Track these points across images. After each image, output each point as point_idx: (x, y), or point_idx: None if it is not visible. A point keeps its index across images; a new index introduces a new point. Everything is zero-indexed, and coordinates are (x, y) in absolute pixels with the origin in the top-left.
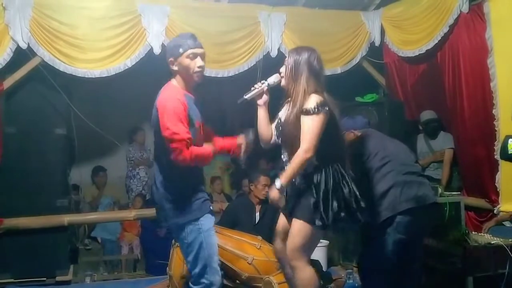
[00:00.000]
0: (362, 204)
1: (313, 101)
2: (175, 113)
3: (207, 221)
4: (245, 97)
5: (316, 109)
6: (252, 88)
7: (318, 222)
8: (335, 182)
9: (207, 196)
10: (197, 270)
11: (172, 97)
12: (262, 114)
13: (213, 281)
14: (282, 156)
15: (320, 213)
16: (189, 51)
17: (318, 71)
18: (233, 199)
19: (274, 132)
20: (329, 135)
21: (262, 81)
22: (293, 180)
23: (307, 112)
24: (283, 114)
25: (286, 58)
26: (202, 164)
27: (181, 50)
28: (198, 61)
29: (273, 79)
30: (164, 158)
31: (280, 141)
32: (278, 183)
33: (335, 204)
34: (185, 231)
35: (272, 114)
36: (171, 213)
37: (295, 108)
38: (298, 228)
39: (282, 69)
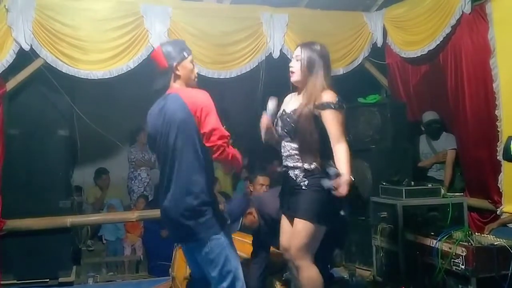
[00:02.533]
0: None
1: (332, 96)
2: (214, 110)
3: (228, 234)
4: (266, 140)
5: (338, 105)
6: (264, 128)
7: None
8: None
9: (222, 210)
10: (225, 284)
11: (204, 95)
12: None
13: None
14: (283, 149)
15: (326, 211)
16: (191, 56)
17: (329, 67)
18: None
19: (278, 123)
20: None
21: (265, 115)
22: (294, 178)
23: (328, 106)
24: (290, 105)
25: (299, 53)
26: (235, 165)
27: (185, 54)
28: (195, 67)
29: (271, 106)
30: (190, 167)
31: (284, 132)
32: (348, 175)
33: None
34: (207, 246)
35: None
36: (192, 230)
37: (311, 102)
38: (301, 227)
39: (294, 64)
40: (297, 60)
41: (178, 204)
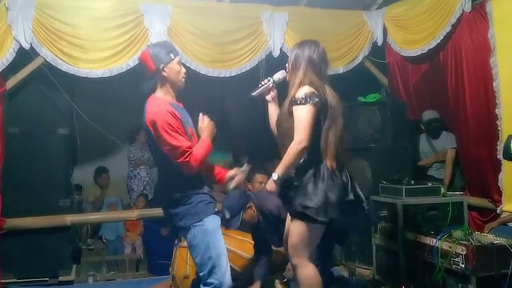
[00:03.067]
0: (364, 203)
1: (302, 91)
2: (170, 126)
3: (213, 222)
4: (252, 94)
5: (303, 100)
6: (259, 85)
7: (320, 219)
8: (331, 179)
9: (211, 198)
10: (205, 271)
11: (161, 111)
12: (272, 109)
13: (223, 281)
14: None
15: (317, 211)
16: (178, 57)
17: (318, 64)
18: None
19: (278, 121)
20: (326, 129)
21: (267, 78)
22: (291, 175)
23: (295, 102)
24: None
25: (290, 53)
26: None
27: (172, 56)
28: (182, 67)
29: (278, 75)
30: (163, 169)
31: (277, 133)
32: (274, 175)
33: (332, 200)
34: (191, 233)
35: None
36: (177, 218)
37: (287, 100)
38: (296, 226)
39: (287, 65)
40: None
41: (163, 198)
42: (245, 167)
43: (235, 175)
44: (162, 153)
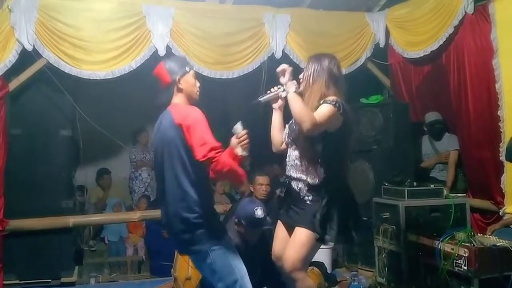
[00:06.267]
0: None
1: (333, 97)
2: (202, 124)
3: (230, 243)
4: (260, 99)
5: (332, 102)
6: (268, 92)
7: (328, 237)
8: (342, 195)
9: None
10: None
11: (195, 110)
12: (276, 118)
13: None
14: (288, 158)
15: (327, 226)
16: (193, 71)
17: (338, 78)
18: (236, 200)
19: (286, 131)
20: (341, 146)
21: (279, 86)
22: (298, 191)
23: (324, 102)
24: None
25: (306, 65)
26: (233, 181)
27: (187, 69)
28: (197, 81)
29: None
30: (180, 183)
31: (290, 140)
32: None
33: (341, 216)
34: (209, 258)
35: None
36: (192, 243)
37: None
38: (304, 237)
39: (301, 75)
40: (304, 72)
41: (175, 220)
42: (238, 126)
43: (236, 142)
44: (176, 168)
